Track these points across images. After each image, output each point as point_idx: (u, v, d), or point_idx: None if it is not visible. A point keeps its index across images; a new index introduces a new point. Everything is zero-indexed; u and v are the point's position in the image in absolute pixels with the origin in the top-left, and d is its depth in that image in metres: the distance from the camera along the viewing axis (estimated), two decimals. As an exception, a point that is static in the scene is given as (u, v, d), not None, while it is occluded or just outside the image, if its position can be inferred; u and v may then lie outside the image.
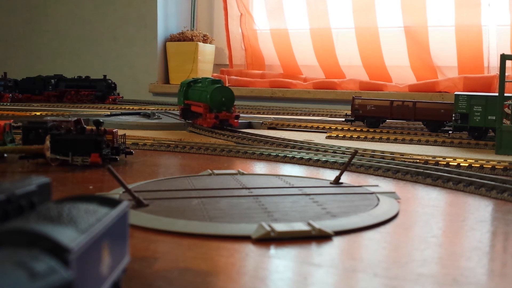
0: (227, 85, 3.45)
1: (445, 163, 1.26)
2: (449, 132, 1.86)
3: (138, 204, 0.81)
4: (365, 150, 1.44)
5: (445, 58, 3.08)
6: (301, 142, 1.59)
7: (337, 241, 0.69)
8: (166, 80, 3.83)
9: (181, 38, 3.70)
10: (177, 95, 2.19)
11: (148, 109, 2.61)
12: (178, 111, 2.21)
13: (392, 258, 0.64)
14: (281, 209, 0.81)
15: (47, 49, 4.16)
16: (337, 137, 1.85)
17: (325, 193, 0.93)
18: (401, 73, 3.19)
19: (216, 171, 1.11)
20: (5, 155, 1.32)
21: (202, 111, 1.87)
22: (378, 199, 0.89)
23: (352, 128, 2.04)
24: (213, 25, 3.92)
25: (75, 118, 1.29)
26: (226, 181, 1.02)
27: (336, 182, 1.02)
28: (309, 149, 1.48)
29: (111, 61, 3.88)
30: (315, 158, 1.32)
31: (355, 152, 1.08)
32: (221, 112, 1.85)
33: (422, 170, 1.13)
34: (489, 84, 2.74)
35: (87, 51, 4.00)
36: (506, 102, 1.59)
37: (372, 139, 1.80)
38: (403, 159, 1.31)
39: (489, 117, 1.69)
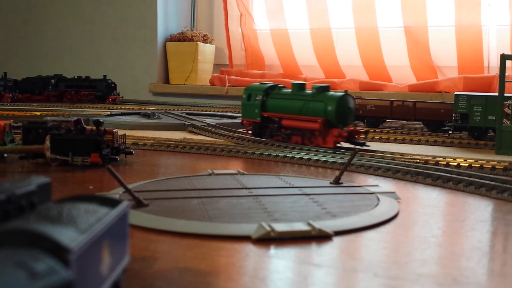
0: (227, 85, 3.45)
1: (445, 163, 1.26)
2: (449, 132, 1.86)
3: (138, 204, 0.81)
4: (365, 150, 1.44)
5: (445, 58, 3.07)
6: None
7: (337, 241, 0.69)
8: (166, 80, 3.83)
9: (181, 38, 3.70)
10: (241, 106, 1.69)
11: (148, 109, 2.61)
12: (246, 127, 1.71)
13: (392, 258, 0.64)
14: (281, 209, 0.81)
15: (47, 49, 4.15)
16: (337, 137, 1.84)
17: (325, 193, 0.93)
18: (401, 73, 3.19)
19: (216, 171, 1.11)
20: (5, 155, 1.32)
21: (318, 127, 1.46)
22: (378, 199, 0.89)
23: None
24: (213, 25, 3.92)
25: (75, 118, 1.29)
26: (226, 181, 1.02)
27: (336, 182, 1.02)
28: (309, 149, 1.48)
29: (111, 61, 3.88)
30: (315, 158, 1.32)
31: (355, 152, 1.08)
32: (345, 127, 1.46)
33: (422, 170, 1.13)
34: (489, 84, 2.74)
35: (87, 51, 3.99)
36: (506, 102, 1.59)
37: (372, 139, 1.80)
38: (403, 159, 1.31)
39: (489, 117, 1.69)
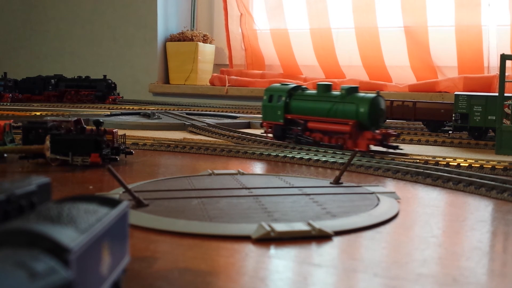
0: (227, 85, 3.45)
1: (445, 163, 1.26)
2: (449, 132, 1.86)
3: (138, 204, 0.81)
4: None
5: (445, 58, 3.08)
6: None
7: (337, 241, 0.69)
8: (166, 80, 3.83)
9: (181, 38, 3.70)
10: (262, 108, 1.62)
11: (148, 109, 2.61)
12: (266, 129, 1.63)
13: (392, 258, 0.64)
14: (281, 209, 0.81)
15: (47, 49, 4.16)
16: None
17: (325, 193, 0.93)
18: (401, 73, 3.19)
19: (216, 171, 1.11)
20: (5, 155, 1.32)
21: (349, 129, 1.40)
22: (378, 199, 0.89)
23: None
24: (213, 25, 3.92)
25: (75, 118, 1.29)
26: (226, 181, 1.02)
27: (336, 182, 1.02)
28: (309, 149, 1.47)
29: (111, 61, 3.88)
30: (315, 158, 1.32)
31: (355, 152, 1.08)
32: (377, 129, 1.40)
33: (422, 170, 1.13)
34: (489, 84, 2.74)
35: (87, 51, 4.00)
36: (506, 102, 1.59)
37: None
38: (403, 159, 1.31)
39: (489, 117, 1.69)
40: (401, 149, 1.41)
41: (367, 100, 1.39)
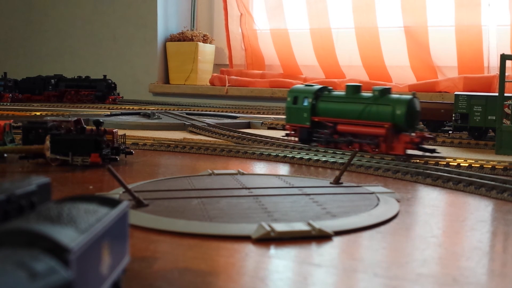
0: (227, 85, 3.45)
1: (445, 163, 1.26)
2: (449, 132, 1.86)
3: (138, 204, 0.81)
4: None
5: (445, 58, 3.08)
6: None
7: (337, 241, 0.69)
8: (166, 80, 3.83)
9: (181, 38, 3.71)
10: (286, 110, 1.55)
11: (148, 109, 2.61)
12: (290, 132, 1.56)
13: (392, 258, 0.64)
14: (281, 209, 0.81)
15: (47, 49, 4.16)
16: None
17: (325, 193, 0.93)
18: (401, 73, 3.19)
19: (216, 171, 1.11)
20: (5, 155, 1.32)
21: (384, 132, 1.34)
22: (378, 199, 0.89)
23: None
24: (213, 25, 3.92)
25: (75, 118, 1.29)
26: (226, 181, 1.02)
27: (336, 182, 1.02)
28: (309, 149, 1.47)
29: (111, 61, 3.88)
30: (315, 158, 1.32)
31: (355, 152, 1.08)
32: (413, 132, 1.34)
33: (422, 170, 1.13)
34: (489, 84, 2.74)
35: (87, 51, 4.00)
36: (506, 102, 1.59)
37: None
38: (403, 159, 1.31)
39: (489, 117, 1.69)
40: (438, 152, 1.35)
41: (404, 101, 1.33)
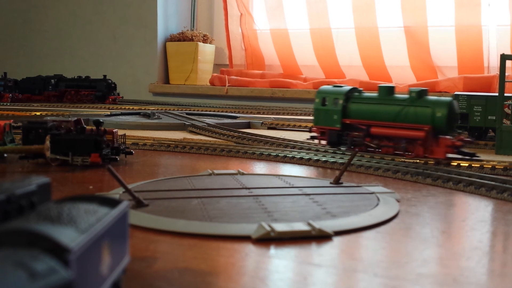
0: (227, 85, 3.45)
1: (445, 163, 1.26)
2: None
3: (138, 204, 0.81)
4: (302, 142, 1.43)
5: (445, 58, 3.08)
6: (301, 142, 1.58)
7: (337, 241, 0.69)
8: (166, 80, 3.83)
9: (181, 38, 3.71)
10: (314, 111, 1.49)
11: (148, 109, 2.61)
12: (317, 135, 1.50)
13: (392, 258, 0.64)
14: (281, 209, 0.81)
15: (47, 49, 4.16)
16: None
17: (325, 193, 0.93)
18: (401, 73, 3.19)
19: (216, 171, 1.11)
20: (5, 155, 1.32)
21: (422, 135, 1.30)
22: (378, 199, 0.89)
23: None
24: (213, 25, 3.92)
25: (75, 118, 1.29)
26: (226, 181, 1.02)
27: (336, 182, 1.02)
28: (309, 149, 1.48)
29: (111, 61, 3.88)
30: (315, 158, 1.32)
31: (355, 152, 1.08)
32: (452, 135, 1.30)
33: (422, 170, 1.14)
34: (489, 84, 2.74)
35: (87, 51, 4.00)
36: (506, 102, 1.59)
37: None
38: (403, 159, 1.31)
39: (489, 117, 1.69)
40: (478, 156, 1.32)
41: (445, 103, 1.29)
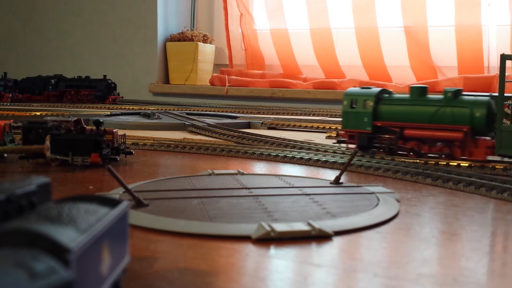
0: (227, 85, 3.45)
1: (445, 163, 1.26)
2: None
3: (138, 204, 0.81)
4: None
5: (445, 58, 3.08)
6: (301, 142, 1.59)
7: (337, 241, 0.69)
8: (166, 80, 3.83)
9: (181, 38, 3.71)
10: (343, 114, 1.42)
11: (148, 109, 2.62)
12: (345, 139, 1.43)
13: (392, 258, 0.64)
14: (281, 209, 0.81)
15: (47, 49, 4.16)
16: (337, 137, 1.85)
17: (325, 193, 0.93)
18: (401, 73, 3.20)
19: (216, 171, 1.11)
20: (5, 155, 1.32)
21: (461, 137, 1.26)
22: (378, 199, 0.89)
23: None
24: (213, 25, 3.92)
25: (75, 118, 1.29)
26: (226, 181, 1.02)
27: (336, 182, 1.02)
28: (309, 149, 1.48)
29: (111, 61, 3.88)
30: (315, 158, 1.32)
31: (355, 152, 1.08)
32: (491, 136, 1.26)
33: (422, 170, 1.13)
34: (489, 84, 2.74)
35: (87, 51, 4.00)
36: (506, 102, 1.58)
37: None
38: (403, 159, 1.31)
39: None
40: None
41: (484, 103, 1.25)
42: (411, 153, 1.33)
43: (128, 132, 1.66)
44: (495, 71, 2.85)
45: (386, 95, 1.40)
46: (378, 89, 1.42)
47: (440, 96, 1.32)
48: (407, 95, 1.38)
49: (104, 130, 1.25)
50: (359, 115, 1.39)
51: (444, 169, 1.17)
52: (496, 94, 1.49)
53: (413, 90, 1.37)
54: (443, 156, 1.29)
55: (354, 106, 1.40)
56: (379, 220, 0.78)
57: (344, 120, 1.42)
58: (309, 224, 0.71)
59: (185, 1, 3.90)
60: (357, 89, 1.45)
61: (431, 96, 1.35)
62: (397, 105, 1.36)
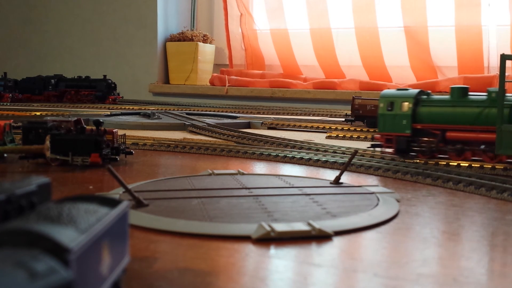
0: (227, 85, 3.45)
1: (445, 163, 1.26)
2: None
3: (138, 204, 0.81)
4: (365, 150, 1.44)
5: (445, 58, 3.08)
6: (301, 142, 1.59)
7: (337, 241, 0.69)
8: (166, 80, 3.83)
9: (181, 38, 3.71)
10: (379, 117, 1.37)
11: (148, 109, 2.61)
12: (381, 143, 1.39)
13: (392, 258, 0.64)
14: (281, 209, 0.81)
15: (47, 49, 4.16)
16: (337, 137, 1.85)
17: (325, 193, 0.93)
18: (401, 73, 3.20)
19: (216, 171, 1.11)
20: (5, 155, 1.32)
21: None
22: (378, 199, 0.89)
23: (352, 128, 2.04)
24: (213, 25, 3.92)
25: (75, 118, 1.29)
26: (226, 181, 1.02)
27: (336, 182, 1.02)
28: (309, 149, 1.48)
29: (111, 61, 3.88)
30: (315, 158, 1.32)
31: (355, 152, 1.08)
32: None
33: (422, 170, 1.13)
34: (489, 84, 2.74)
35: (87, 51, 4.00)
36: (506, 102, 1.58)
37: (372, 139, 1.80)
38: (403, 159, 1.31)
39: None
40: None
41: None
42: (453, 156, 1.29)
43: (128, 132, 1.66)
44: (495, 71, 2.85)
45: (425, 96, 1.35)
46: (416, 90, 1.37)
47: (483, 97, 1.28)
48: (447, 96, 1.33)
49: (104, 130, 1.25)
50: (398, 118, 1.34)
51: (444, 169, 1.17)
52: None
53: (454, 90, 1.32)
54: (490, 158, 1.25)
55: (392, 108, 1.35)
56: (379, 220, 0.78)
57: (381, 123, 1.37)
58: (309, 224, 0.71)
59: (185, 1, 3.90)
60: (393, 91, 1.40)
61: (473, 96, 1.30)
62: (438, 107, 1.31)
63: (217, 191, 0.94)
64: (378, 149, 1.41)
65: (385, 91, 1.42)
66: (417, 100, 1.33)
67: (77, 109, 2.84)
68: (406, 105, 1.33)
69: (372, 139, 1.45)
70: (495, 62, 2.89)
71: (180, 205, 0.83)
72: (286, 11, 3.53)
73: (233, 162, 1.35)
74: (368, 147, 1.45)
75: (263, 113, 2.78)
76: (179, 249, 0.65)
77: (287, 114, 2.74)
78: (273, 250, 0.65)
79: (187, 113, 2.57)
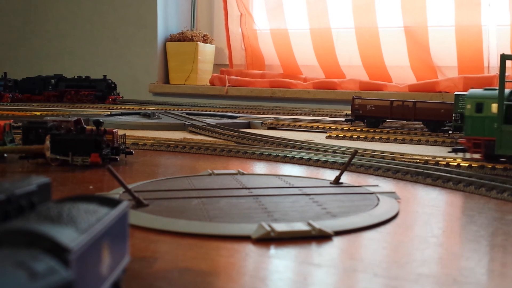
0: (227, 85, 3.45)
1: (445, 163, 1.26)
2: (449, 132, 1.86)
3: (138, 204, 0.81)
4: (365, 150, 1.44)
5: (445, 58, 3.08)
6: (301, 142, 1.59)
7: (337, 241, 0.69)
8: (166, 80, 3.83)
9: (181, 38, 3.71)
10: (466, 120, 1.27)
11: (148, 109, 2.61)
12: (467, 147, 1.28)
13: (392, 258, 0.64)
14: (281, 209, 0.81)
15: (47, 49, 4.16)
16: (337, 137, 1.85)
17: (325, 193, 0.93)
18: (401, 73, 3.20)
19: (216, 171, 1.11)
20: (5, 155, 1.32)
21: None
22: (378, 199, 0.89)
23: (352, 128, 2.04)
24: (213, 25, 3.92)
25: (75, 118, 1.29)
26: (226, 181, 1.02)
27: (336, 182, 1.02)
28: (309, 149, 1.48)
29: (111, 61, 3.88)
30: (315, 158, 1.32)
31: (355, 152, 1.08)
32: None
33: (422, 170, 1.13)
34: (489, 84, 2.74)
35: (87, 51, 4.00)
36: (506, 102, 1.58)
37: (372, 139, 1.80)
38: (403, 159, 1.31)
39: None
40: None
41: None
42: None
43: (128, 132, 1.66)
44: (495, 71, 2.85)
45: None
46: (508, 90, 1.25)
47: None
48: None
49: (104, 130, 1.25)
50: (487, 120, 1.23)
51: (444, 169, 1.17)
52: None
53: None
54: None
55: (481, 110, 1.24)
56: (379, 220, 0.78)
57: (468, 126, 1.26)
58: (309, 224, 0.71)
59: (185, 1, 3.90)
60: (481, 91, 1.29)
61: None
62: None
63: (217, 191, 0.94)
64: (460, 153, 1.30)
65: (472, 90, 1.30)
66: (510, 101, 1.21)
67: (77, 109, 2.84)
68: (497, 106, 1.21)
69: (456, 143, 1.34)
70: (495, 62, 2.89)
71: (180, 205, 0.83)
72: (286, 11, 3.53)
73: (233, 162, 1.35)
74: (449, 152, 1.35)
75: (263, 113, 2.78)
76: (179, 249, 0.65)
77: (287, 114, 2.74)
78: (273, 250, 0.65)
79: (187, 113, 2.57)
